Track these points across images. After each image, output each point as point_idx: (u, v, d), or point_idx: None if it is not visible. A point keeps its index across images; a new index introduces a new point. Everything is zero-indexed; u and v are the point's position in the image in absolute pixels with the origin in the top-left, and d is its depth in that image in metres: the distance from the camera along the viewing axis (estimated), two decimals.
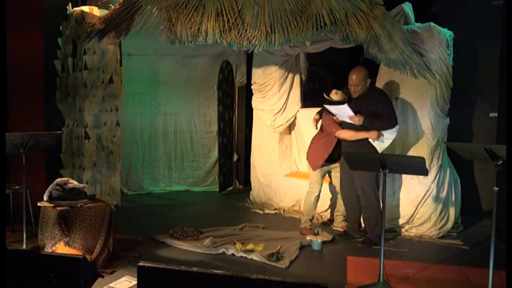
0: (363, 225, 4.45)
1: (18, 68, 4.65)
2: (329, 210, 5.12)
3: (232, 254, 3.82)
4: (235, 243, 3.94)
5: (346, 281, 3.29)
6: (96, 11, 4.90)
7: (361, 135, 3.99)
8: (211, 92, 6.69)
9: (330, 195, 5.09)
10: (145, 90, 6.60)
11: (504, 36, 4.48)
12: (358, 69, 4.06)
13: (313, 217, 4.64)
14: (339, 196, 4.56)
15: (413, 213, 4.46)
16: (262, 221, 4.95)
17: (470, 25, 5.13)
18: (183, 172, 6.80)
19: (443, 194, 4.44)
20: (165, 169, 6.81)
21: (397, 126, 3.99)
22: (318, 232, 4.46)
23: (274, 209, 5.49)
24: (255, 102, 5.88)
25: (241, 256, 3.77)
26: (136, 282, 1.88)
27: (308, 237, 4.22)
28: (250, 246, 3.87)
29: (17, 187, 4.21)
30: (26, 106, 4.68)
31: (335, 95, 4.19)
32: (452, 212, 4.46)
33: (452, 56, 4.49)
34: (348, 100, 4.10)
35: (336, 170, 4.50)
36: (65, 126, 5.01)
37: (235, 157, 6.80)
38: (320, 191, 4.50)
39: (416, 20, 4.58)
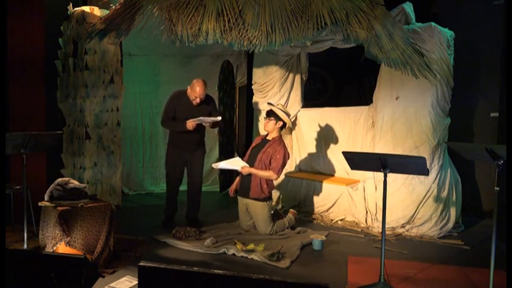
0: None
1: (19, 68, 4.65)
2: (330, 210, 5.12)
3: (233, 254, 3.82)
4: (236, 243, 3.94)
5: (347, 281, 3.29)
6: (96, 11, 4.90)
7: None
8: (212, 92, 6.70)
9: (330, 195, 5.09)
10: (146, 90, 6.60)
11: (505, 36, 4.47)
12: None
13: None
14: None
15: (414, 213, 4.46)
16: None
17: (471, 25, 5.13)
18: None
19: (444, 194, 4.44)
20: None
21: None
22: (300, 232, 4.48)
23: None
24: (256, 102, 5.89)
25: (242, 256, 3.77)
26: (137, 282, 1.89)
27: (311, 236, 4.22)
28: (251, 247, 3.87)
29: (17, 187, 4.21)
30: (27, 106, 4.69)
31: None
32: (453, 212, 4.46)
33: (453, 55, 4.49)
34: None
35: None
36: (66, 126, 5.01)
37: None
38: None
39: (417, 20, 4.58)
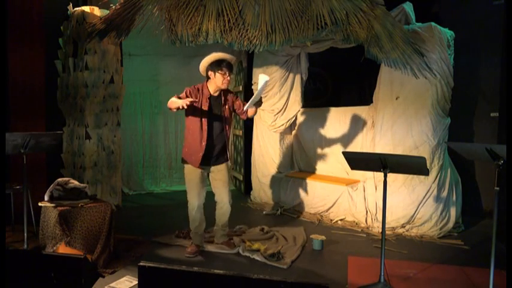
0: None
1: (19, 68, 4.65)
2: (330, 210, 5.12)
3: (238, 253, 3.84)
4: (245, 242, 3.94)
5: (347, 281, 3.29)
6: (97, 11, 4.91)
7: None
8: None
9: (330, 195, 5.09)
10: (146, 90, 6.61)
11: (505, 36, 4.47)
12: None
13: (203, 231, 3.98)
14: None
15: (414, 213, 4.46)
16: (263, 222, 4.94)
17: (471, 25, 5.13)
18: None
19: (444, 194, 4.44)
20: (166, 169, 6.82)
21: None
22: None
23: (276, 209, 5.48)
24: None
25: (245, 255, 3.78)
26: (137, 282, 1.88)
27: (311, 236, 4.22)
28: (256, 246, 3.87)
29: (17, 187, 4.21)
30: (27, 106, 4.69)
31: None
32: (453, 212, 4.46)
33: (453, 55, 4.49)
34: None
35: (215, 174, 3.82)
36: (66, 126, 5.02)
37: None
38: (203, 201, 3.78)
39: (417, 20, 4.58)
